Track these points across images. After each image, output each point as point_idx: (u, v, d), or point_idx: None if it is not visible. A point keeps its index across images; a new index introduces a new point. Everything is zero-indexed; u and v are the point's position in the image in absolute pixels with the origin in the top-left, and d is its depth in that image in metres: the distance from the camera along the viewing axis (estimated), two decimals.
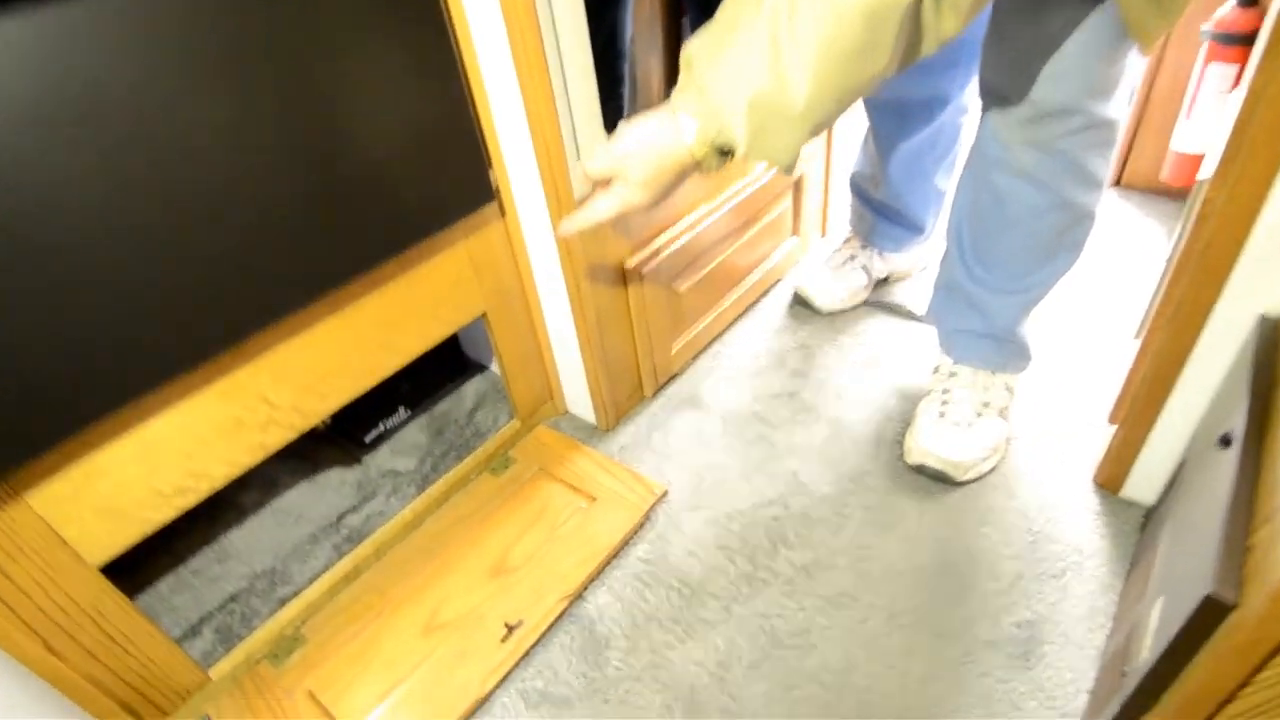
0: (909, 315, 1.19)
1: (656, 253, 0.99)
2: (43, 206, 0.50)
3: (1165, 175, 1.34)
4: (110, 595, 0.65)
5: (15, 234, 0.49)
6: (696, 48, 0.60)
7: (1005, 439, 0.94)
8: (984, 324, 0.91)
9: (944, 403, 0.93)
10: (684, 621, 0.80)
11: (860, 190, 1.20)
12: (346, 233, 0.69)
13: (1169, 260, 0.93)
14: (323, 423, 1.00)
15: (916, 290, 1.24)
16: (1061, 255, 0.85)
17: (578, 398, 1.07)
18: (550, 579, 0.83)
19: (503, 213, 0.87)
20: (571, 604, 0.83)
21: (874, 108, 1.09)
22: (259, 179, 0.61)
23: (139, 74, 0.52)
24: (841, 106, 0.60)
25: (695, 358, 1.17)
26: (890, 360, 1.12)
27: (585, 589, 0.84)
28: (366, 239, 0.72)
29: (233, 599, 0.83)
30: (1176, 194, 1.39)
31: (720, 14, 0.59)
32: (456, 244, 0.83)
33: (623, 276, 0.97)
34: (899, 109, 1.05)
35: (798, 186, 1.24)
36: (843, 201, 1.31)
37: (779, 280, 1.31)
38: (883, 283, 1.27)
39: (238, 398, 0.69)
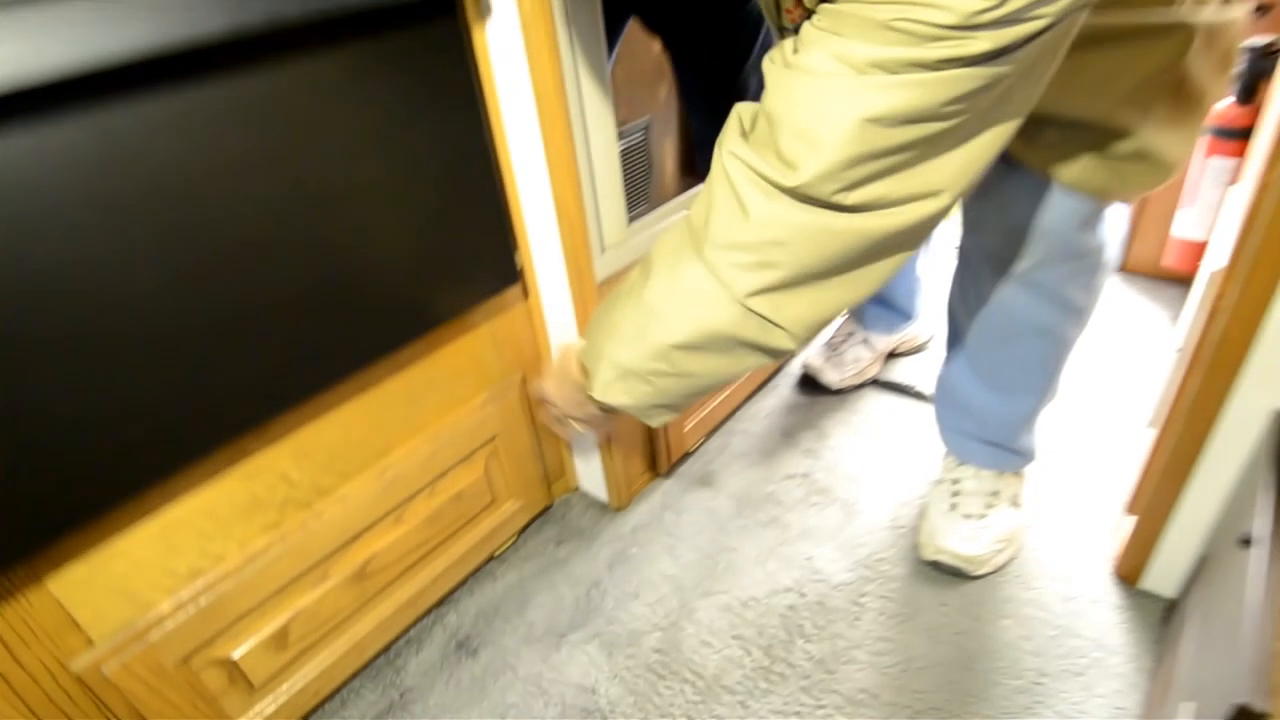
0: (918, 396, 1.20)
1: None
2: (75, 294, 0.51)
3: (1167, 261, 1.37)
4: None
5: (52, 321, 0.51)
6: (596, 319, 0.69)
7: (1020, 527, 0.93)
8: (981, 430, 0.91)
9: (954, 494, 0.93)
10: (699, 718, 0.78)
11: None
12: (376, 315, 0.71)
13: (1180, 350, 0.95)
14: None
15: (927, 366, 1.25)
16: (1044, 380, 0.86)
17: (590, 475, 1.07)
18: None
19: (526, 294, 0.89)
20: (586, 695, 0.81)
21: None
22: (292, 265, 0.63)
23: (181, 167, 0.54)
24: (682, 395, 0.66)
25: (708, 436, 1.18)
26: (902, 442, 1.12)
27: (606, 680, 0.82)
28: (395, 321, 0.74)
29: None
30: (1179, 279, 1.42)
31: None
32: (480, 325, 0.85)
33: None
34: None
35: None
36: None
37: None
38: (894, 355, 1.28)
39: (259, 477, 0.69)
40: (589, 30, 0.75)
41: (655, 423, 0.69)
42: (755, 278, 0.54)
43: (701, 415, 1.14)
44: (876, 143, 0.46)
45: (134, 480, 0.59)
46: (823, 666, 0.82)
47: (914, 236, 0.54)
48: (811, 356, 1.24)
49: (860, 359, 1.22)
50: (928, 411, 1.16)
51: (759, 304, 0.55)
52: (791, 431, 1.16)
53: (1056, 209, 0.70)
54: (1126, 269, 1.48)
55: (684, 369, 0.61)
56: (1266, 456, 0.65)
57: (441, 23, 0.67)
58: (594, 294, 0.87)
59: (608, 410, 0.72)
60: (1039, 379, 0.85)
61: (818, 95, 0.47)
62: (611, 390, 0.66)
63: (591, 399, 0.68)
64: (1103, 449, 1.05)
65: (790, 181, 0.49)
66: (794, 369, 1.30)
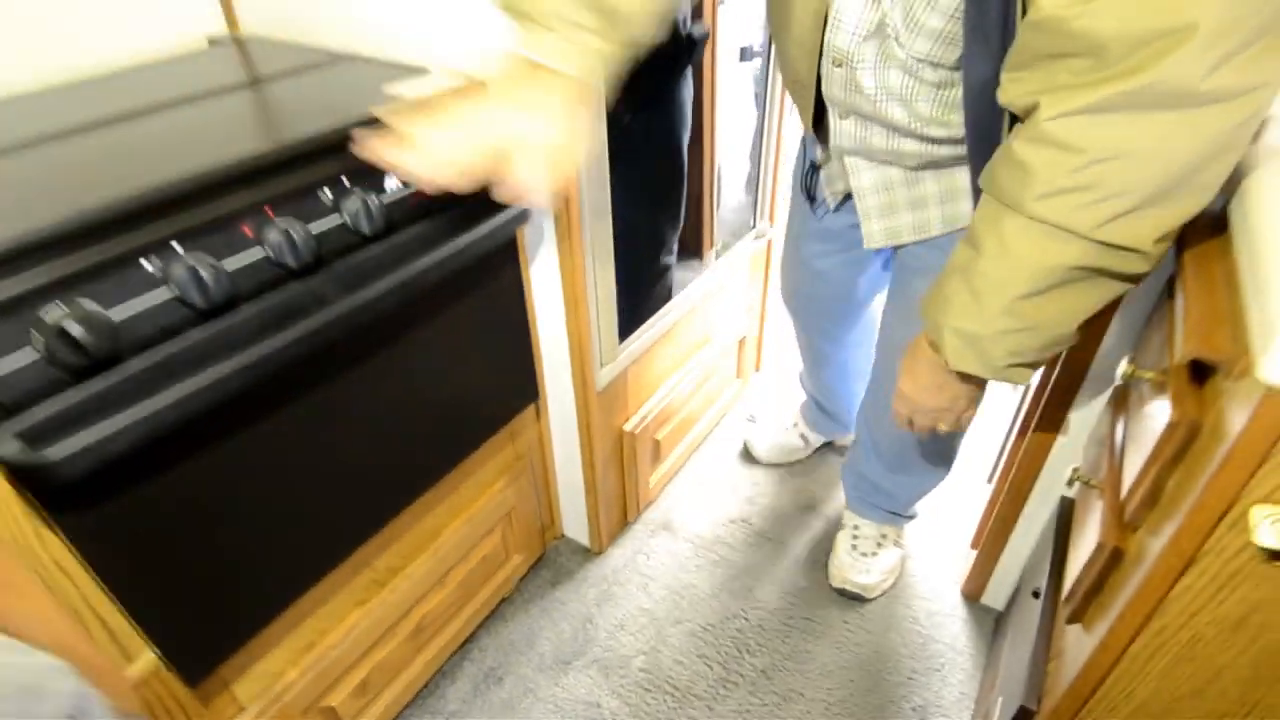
0: (841, 454, 1.51)
1: (645, 415, 1.26)
2: (269, 472, 0.71)
3: None
4: None
5: (255, 493, 0.70)
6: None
7: (900, 560, 1.27)
8: (880, 501, 1.22)
9: (855, 537, 1.25)
10: None
11: (800, 376, 1.46)
12: (447, 443, 0.93)
13: (1009, 428, 1.30)
14: None
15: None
16: (941, 463, 1.14)
17: (574, 524, 1.32)
18: None
19: (538, 401, 1.12)
20: (593, 709, 1.07)
21: (799, 316, 1.31)
22: (395, 425, 0.84)
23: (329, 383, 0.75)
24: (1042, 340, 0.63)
25: (667, 486, 1.45)
26: (823, 491, 1.43)
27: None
28: (458, 443, 0.96)
29: None
30: None
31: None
32: (501, 428, 1.08)
33: (620, 437, 1.23)
34: (826, 316, 1.26)
35: (741, 343, 1.56)
36: (775, 339, 1.64)
37: (727, 414, 1.62)
38: (826, 445, 1.54)
39: (355, 570, 0.90)
40: (602, 244, 0.98)
41: (1018, 381, 0.67)
42: (1099, 210, 0.53)
43: (663, 470, 1.41)
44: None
45: (298, 590, 0.79)
46: (764, 675, 1.12)
47: (1250, 132, 0.52)
48: (753, 434, 1.51)
49: (795, 449, 1.49)
50: (839, 462, 1.49)
51: (1110, 233, 0.54)
52: (735, 483, 1.46)
53: None
54: None
55: (1033, 321, 0.60)
56: (1052, 531, 1.00)
57: (507, 265, 0.90)
58: (595, 397, 1.11)
59: (969, 380, 0.72)
60: (937, 463, 1.15)
61: None
62: (964, 359, 0.65)
63: (950, 374, 0.70)
64: (959, 497, 1.40)
65: (1140, 82, 0.48)
66: (736, 437, 1.59)
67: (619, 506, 1.33)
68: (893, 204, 0.88)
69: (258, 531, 0.72)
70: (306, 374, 0.70)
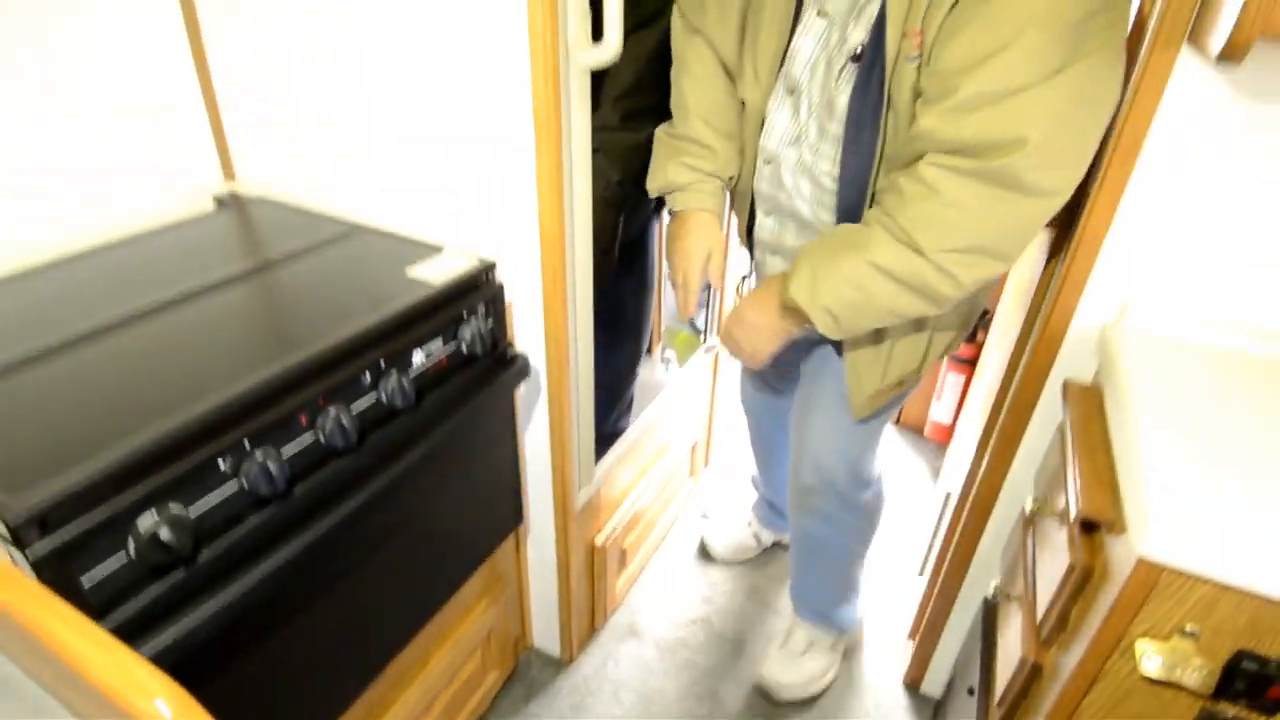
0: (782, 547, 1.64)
1: (614, 527, 1.35)
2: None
3: (928, 432, 1.98)
4: None
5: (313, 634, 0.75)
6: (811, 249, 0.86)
7: (830, 669, 1.34)
8: (811, 602, 1.33)
9: (788, 634, 1.34)
10: None
11: (753, 478, 1.59)
12: (445, 574, 0.99)
13: (934, 529, 1.47)
14: None
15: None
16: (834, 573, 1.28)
17: (545, 635, 1.37)
18: None
19: (520, 523, 1.20)
20: None
21: (753, 417, 1.47)
22: (392, 568, 0.90)
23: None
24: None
25: (631, 589, 1.53)
26: (777, 588, 1.54)
27: None
28: (456, 573, 1.02)
29: None
30: (938, 441, 2.02)
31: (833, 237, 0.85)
32: (491, 554, 1.15)
33: (592, 550, 1.32)
34: (777, 417, 1.40)
35: (693, 446, 1.68)
36: (725, 435, 1.77)
37: (681, 516, 1.72)
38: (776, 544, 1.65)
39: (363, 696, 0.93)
40: (585, 381, 1.10)
41: (818, 325, 0.84)
42: (941, 240, 0.75)
43: (626, 575, 1.49)
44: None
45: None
46: None
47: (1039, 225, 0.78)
48: (709, 531, 1.62)
49: (749, 548, 1.60)
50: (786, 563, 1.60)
51: (944, 259, 0.75)
52: (693, 583, 1.55)
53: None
54: (901, 423, 2.07)
55: (864, 292, 0.80)
56: (978, 630, 1.14)
57: (504, 412, 0.99)
58: (574, 517, 1.20)
59: (785, 320, 0.89)
60: (831, 571, 1.27)
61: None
62: (801, 287, 0.83)
63: (775, 314, 0.90)
64: (891, 588, 1.54)
65: (989, 164, 0.70)
66: (692, 534, 1.69)
67: (588, 614, 1.40)
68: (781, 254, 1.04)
69: (273, 686, 0.76)
70: (341, 534, 0.76)
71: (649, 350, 1.66)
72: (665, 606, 1.49)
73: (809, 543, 1.25)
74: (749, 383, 1.41)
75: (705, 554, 1.62)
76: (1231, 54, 0.59)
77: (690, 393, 1.60)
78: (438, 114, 0.91)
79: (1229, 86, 0.75)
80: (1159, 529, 0.61)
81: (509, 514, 1.12)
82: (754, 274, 1.14)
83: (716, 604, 1.50)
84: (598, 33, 0.84)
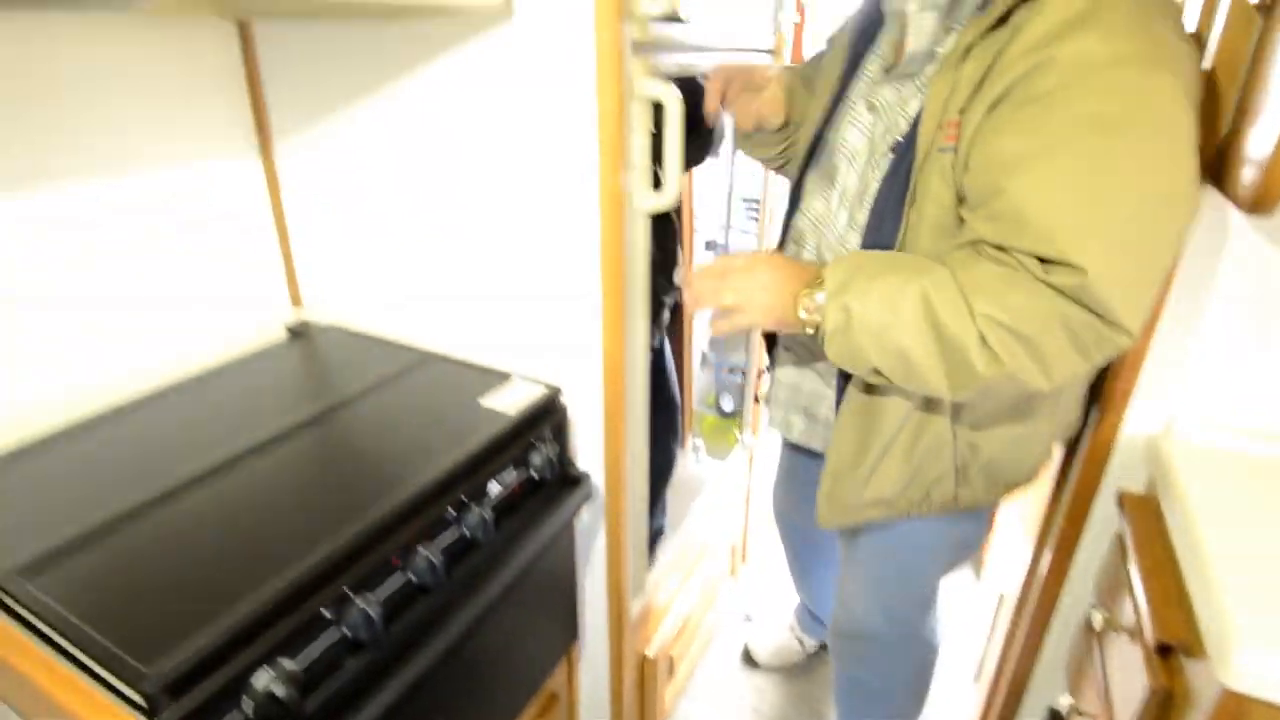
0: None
1: (663, 639, 1.34)
2: None
3: None
4: None
5: None
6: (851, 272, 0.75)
7: None
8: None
9: None
10: None
11: (792, 582, 1.58)
12: (506, 699, 0.98)
13: (988, 633, 1.44)
14: None
15: None
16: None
17: None
18: None
19: (575, 640, 1.19)
20: None
21: (784, 530, 1.45)
22: (461, 700, 0.90)
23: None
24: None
25: (677, 701, 1.49)
26: (825, 694, 1.50)
27: None
28: (517, 698, 1.01)
29: None
30: None
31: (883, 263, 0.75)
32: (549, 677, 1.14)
33: (643, 663, 1.30)
34: (808, 542, 1.42)
35: (732, 546, 1.68)
36: (762, 530, 1.76)
37: (724, 618, 1.70)
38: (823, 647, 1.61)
39: None
40: (639, 491, 1.12)
41: (831, 325, 0.73)
42: (991, 309, 0.67)
43: (675, 683, 1.47)
44: None
45: None
46: None
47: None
48: (752, 639, 1.60)
49: (794, 652, 1.58)
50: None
51: (984, 325, 0.68)
52: (741, 693, 1.52)
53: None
54: None
55: (903, 314, 0.70)
56: None
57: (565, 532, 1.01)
58: (629, 631, 1.19)
59: (803, 308, 0.76)
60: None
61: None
62: (836, 273, 0.74)
63: (810, 286, 0.75)
64: (943, 698, 1.49)
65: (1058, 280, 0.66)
66: (736, 638, 1.67)
67: None
68: (796, 402, 1.02)
69: None
70: (435, 671, 0.77)
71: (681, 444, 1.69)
72: (715, 718, 1.46)
73: (849, 686, 1.22)
74: (779, 493, 1.40)
75: (750, 660, 1.59)
76: (1259, 208, 0.64)
77: (726, 488, 1.62)
78: (511, 269, 0.97)
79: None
80: (1244, 660, 0.61)
81: (566, 633, 1.12)
82: (771, 365, 1.10)
83: (765, 714, 1.47)
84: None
